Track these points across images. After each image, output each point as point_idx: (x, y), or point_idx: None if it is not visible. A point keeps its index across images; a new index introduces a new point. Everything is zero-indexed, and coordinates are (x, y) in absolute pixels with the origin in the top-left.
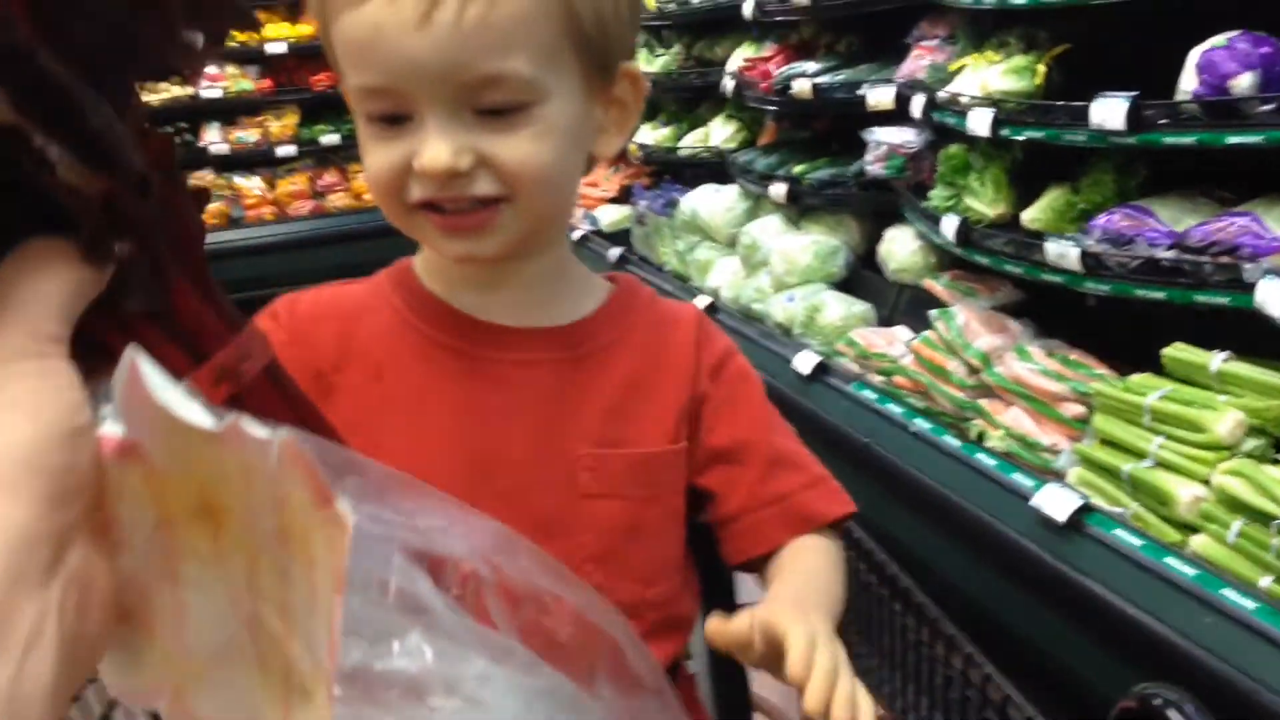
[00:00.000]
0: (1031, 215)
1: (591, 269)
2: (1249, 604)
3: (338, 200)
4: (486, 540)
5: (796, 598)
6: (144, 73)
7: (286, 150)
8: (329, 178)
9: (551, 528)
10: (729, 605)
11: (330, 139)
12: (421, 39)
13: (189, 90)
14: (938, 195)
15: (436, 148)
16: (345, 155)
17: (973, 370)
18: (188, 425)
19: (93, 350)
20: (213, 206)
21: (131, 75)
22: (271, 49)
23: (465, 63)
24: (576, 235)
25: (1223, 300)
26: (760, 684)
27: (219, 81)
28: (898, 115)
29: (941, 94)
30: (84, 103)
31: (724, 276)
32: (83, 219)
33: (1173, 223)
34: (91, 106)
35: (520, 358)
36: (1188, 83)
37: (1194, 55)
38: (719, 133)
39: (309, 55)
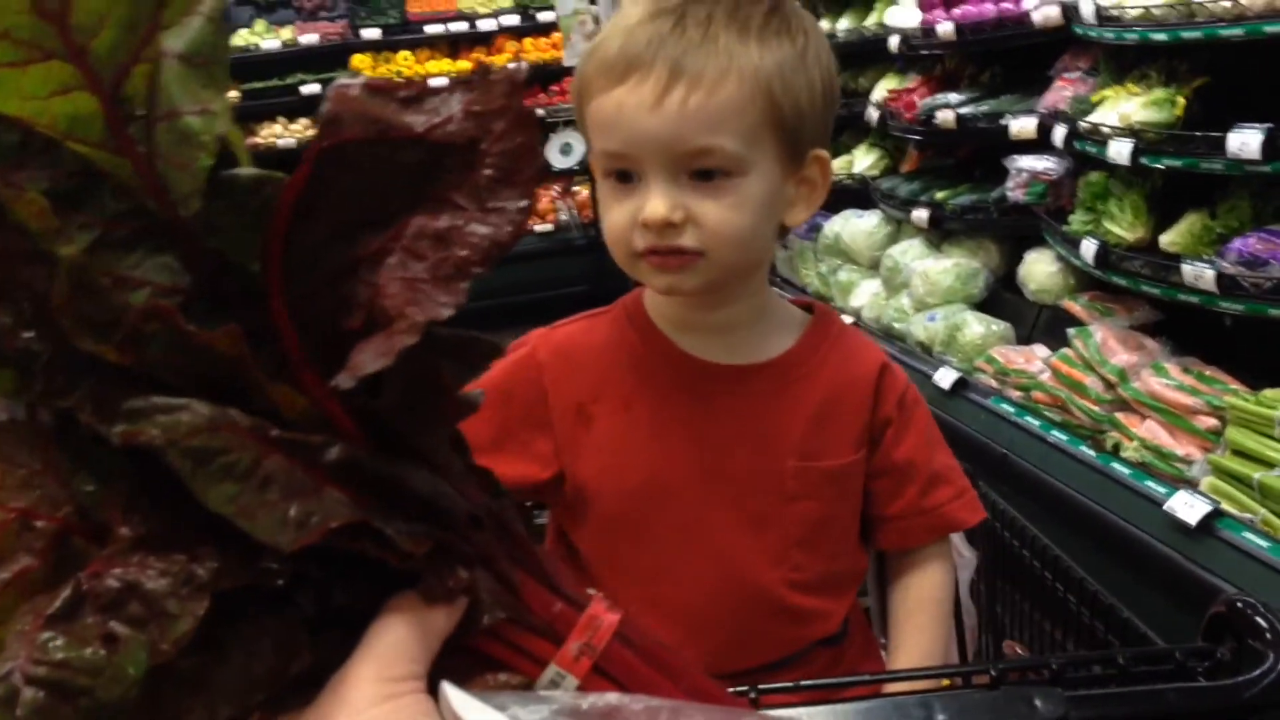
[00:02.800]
0: (1169, 239)
1: None
2: None
3: None
4: None
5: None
6: (442, 431)
7: None
8: None
9: (765, 523)
10: None
11: None
12: (654, 117)
13: None
14: (1078, 220)
15: (656, 203)
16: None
17: (1109, 385)
18: None
19: (476, 659)
20: None
21: (434, 438)
22: (434, 84)
23: (685, 137)
24: None
25: None
26: None
27: None
28: (1039, 144)
29: (1083, 124)
30: (408, 480)
31: (865, 297)
32: (419, 575)
33: None
34: (416, 480)
35: (737, 390)
36: None
37: None
38: (862, 160)
39: None
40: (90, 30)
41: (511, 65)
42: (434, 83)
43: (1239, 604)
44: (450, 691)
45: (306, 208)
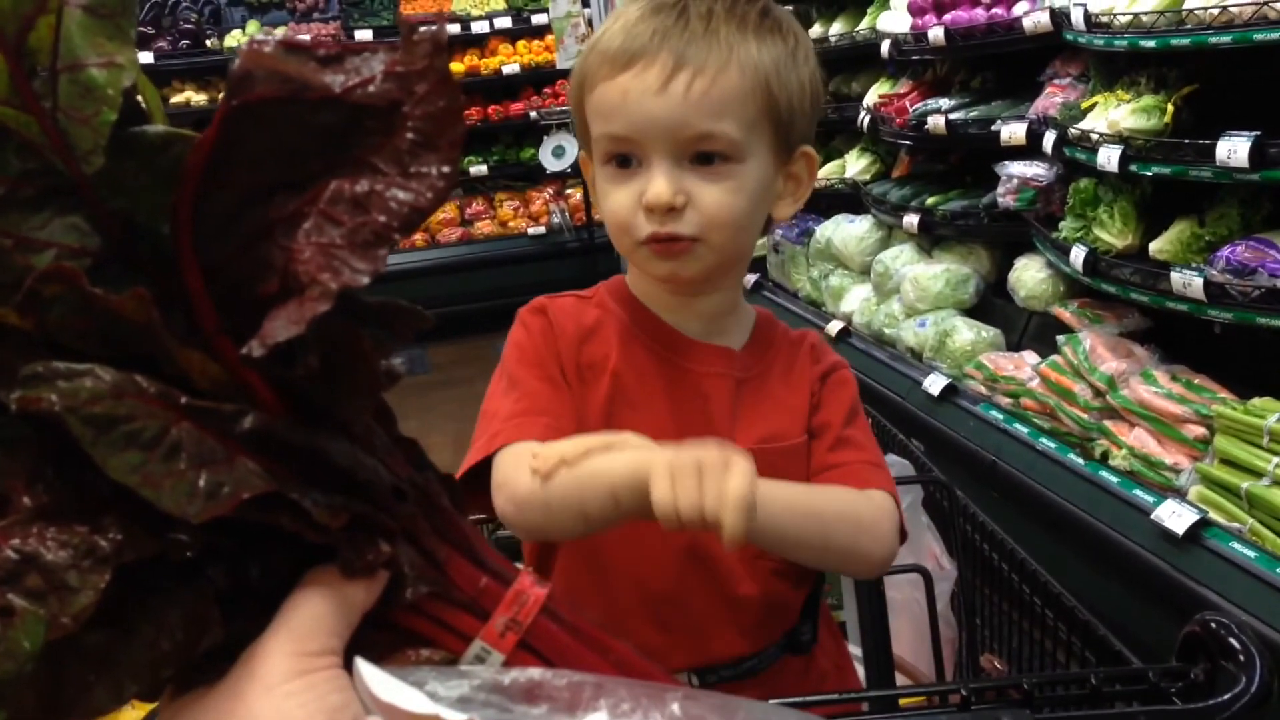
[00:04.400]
0: (1158, 246)
1: None
2: None
3: (484, 227)
4: None
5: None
6: (363, 401)
7: None
8: (477, 206)
9: None
10: None
11: (479, 170)
12: (658, 102)
13: None
14: (1067, 226)
15: (660, 185)
16: (491, 185)
17: (1098, 393)
18: (413, 714)
19: (399, 634)
20: None
21: (354, 408)
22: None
23: (689, 121)
24: None
25: None
26: (896, 645)
27: None
28: (1029, 150)
29: (1073, 130)
30: (327, 450)
31: (856, 302)
32: (337, 548)
33: None
34: (335, 450)
35: (707, 369)
36: None
37: None
38: (854, 165)
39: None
40: None
41: (433, 26)
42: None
43: (1213, 624)
44: (364, 668)
45: (218, 168)
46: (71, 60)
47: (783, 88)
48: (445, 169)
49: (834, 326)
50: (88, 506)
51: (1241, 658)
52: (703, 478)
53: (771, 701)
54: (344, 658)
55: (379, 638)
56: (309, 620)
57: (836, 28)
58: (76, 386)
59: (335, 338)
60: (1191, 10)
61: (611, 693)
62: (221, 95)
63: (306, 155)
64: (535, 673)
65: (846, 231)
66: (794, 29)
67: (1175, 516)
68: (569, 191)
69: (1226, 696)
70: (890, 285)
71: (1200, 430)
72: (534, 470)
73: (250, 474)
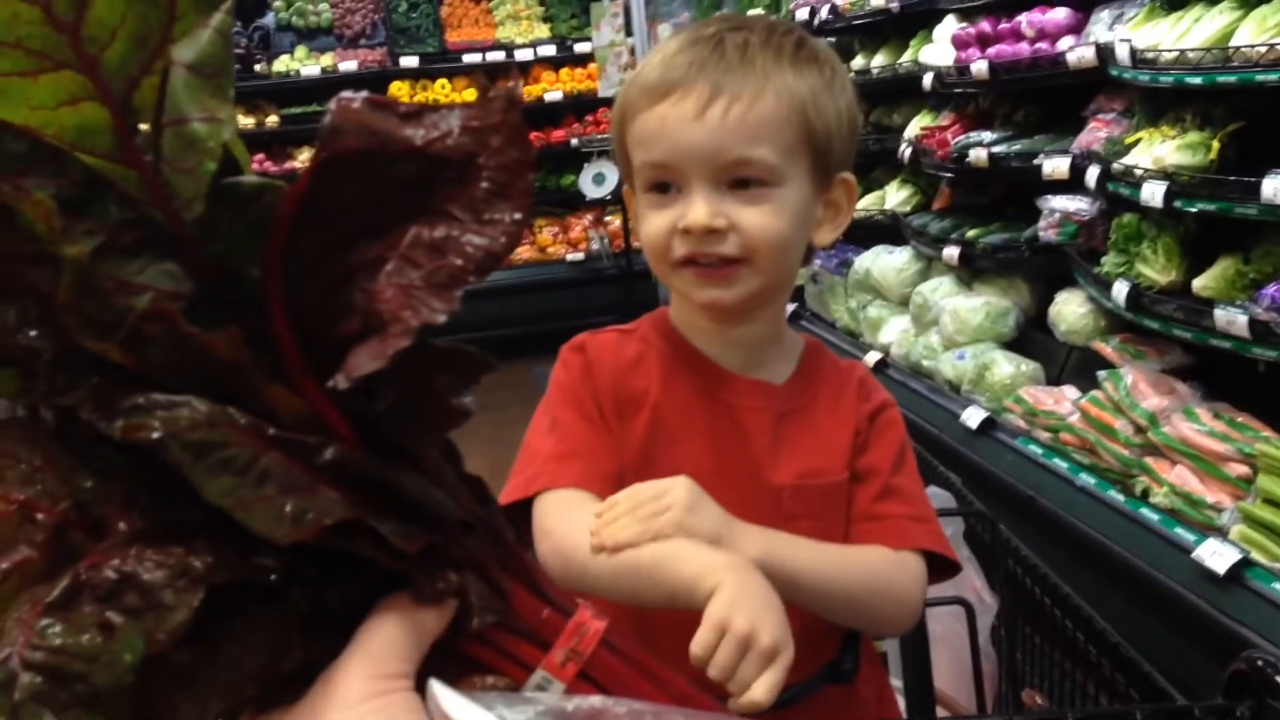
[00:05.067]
0: (1202, 283)
1: None
2: None
3: (523, 253)
4: None
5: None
6: (434, 437)
7: None
8: None
9: None
10: None
11: None
12: (696, 129)
13: None
14: (1110, 261)
15: (699, 209)
16: (531, 211)
17: (1139, 429)
18: None
19: (464, 662)
20: None
21: (426, 443)
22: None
23: (726, 147)
24: None
25: None
26: (937, 677)
27: None
28: (1072, 184)
29: (1117, 166)
30: (401, 483)
31: (894, 334)
32: (410, 577)
33: None
34: (408, 483)
35: (748, 404)
36: None
37: None
38: (894, 196)
39: None
40: (102, 42)
41: (510, 84)
42: None
43: (1260, 662)
44: (438, 689)
45: (306, 216)
46: (176, 115)
47: (819, 114)
48: (517, 216)
49: (872, 357)
50: (180, 531)
51: None
52: (745, 656)
53: None
54: (416, 682)
55: (446, 665)
56: (384, 644)
57: (879, 60)
58: (175, 416)
59: (410, 376)
60: (1238, 48)
61: None
62: (268, 119)
63: (388, 203)
64: (597, 700)
65: (886, 263)
66: (830, 60)
67: (1217, 556)
68: (608, 218)
69: None
70: (929, 317)
71: (1243, 469)
72: (591, 545)
73: (333, 502)
